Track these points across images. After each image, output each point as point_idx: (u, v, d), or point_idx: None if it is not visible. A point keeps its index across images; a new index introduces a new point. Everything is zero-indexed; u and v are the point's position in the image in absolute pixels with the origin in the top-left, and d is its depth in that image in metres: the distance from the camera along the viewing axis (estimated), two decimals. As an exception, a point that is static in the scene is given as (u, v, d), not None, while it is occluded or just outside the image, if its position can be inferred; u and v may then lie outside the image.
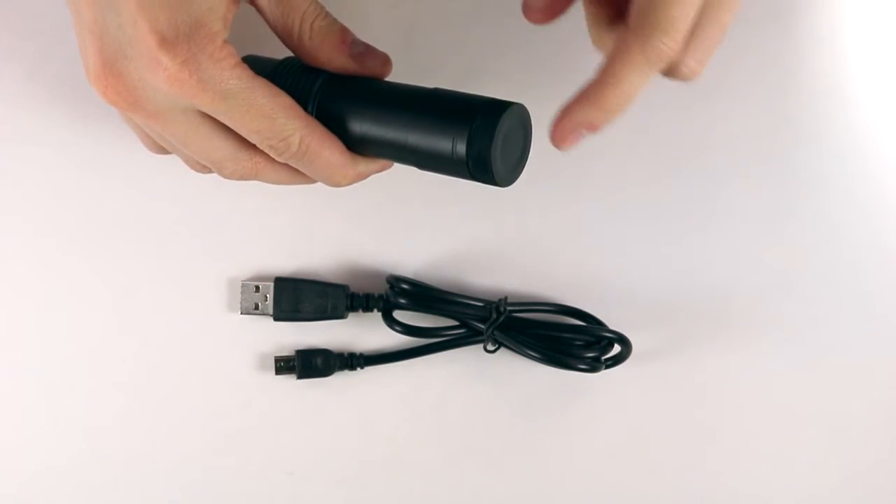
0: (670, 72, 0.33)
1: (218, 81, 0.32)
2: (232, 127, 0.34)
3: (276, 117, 0.34)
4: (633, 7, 0.32)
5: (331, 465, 0.46)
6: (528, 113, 0.35)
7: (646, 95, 0.47)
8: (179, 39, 0.31)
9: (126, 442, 0.45)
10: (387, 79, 0.37)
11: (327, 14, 0.36)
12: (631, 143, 0.46)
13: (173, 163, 0.45)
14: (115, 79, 0.32)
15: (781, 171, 0.47)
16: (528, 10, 0.35)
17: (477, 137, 0.33)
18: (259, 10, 0.36)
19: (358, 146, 0.36)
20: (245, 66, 0.33)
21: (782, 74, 0.47)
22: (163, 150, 0.39)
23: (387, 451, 0.46)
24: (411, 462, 0.46)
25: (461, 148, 0.33)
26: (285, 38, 0.36)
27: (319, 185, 0.45)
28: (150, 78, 0.32)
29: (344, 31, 0.36)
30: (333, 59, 0.36)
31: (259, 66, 0.36)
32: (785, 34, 0.47)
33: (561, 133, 0.33)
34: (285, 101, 0.34)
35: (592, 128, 0.33)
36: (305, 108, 0.36)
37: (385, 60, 0.37)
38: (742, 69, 0.46)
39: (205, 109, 0.33)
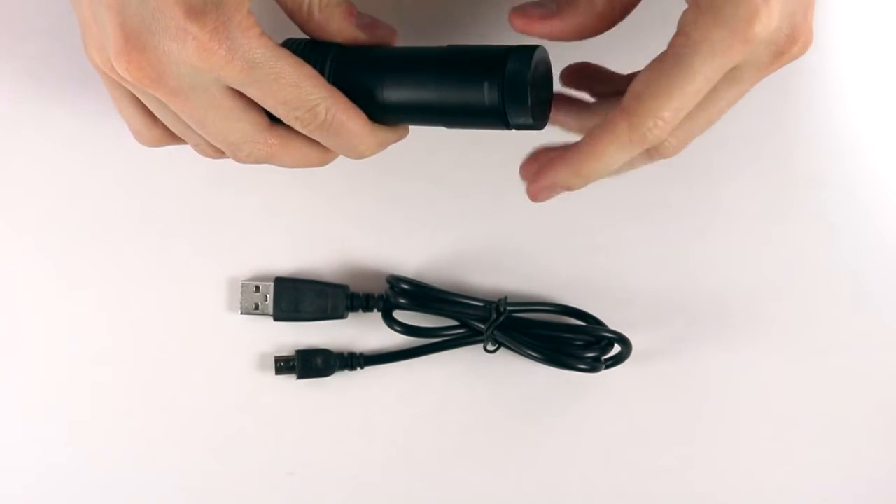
0: (655, 153, 0.35)
1: (247, 51, 0.32)
2: (258, 99, 0.34)
3: (303, 86, 0.34)
4: (630, 88, 0.33)
5: (331, 465, 0.46)
6: (548, 54, 0.35)
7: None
8: (207, 8, 0.31)
9: (126, 442, 0.45)
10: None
11: None
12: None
13: (173, 162, 0.45)
14: (138, 54, 0.32)
15: (781, 171, 0.47)
16: (517, 19, 0.35)
17: (511, 82, 0.33)
18: None
19: (380, 114, 0.36)
20: (270, 37, 0.33)
21: (782, 74, 0.47)
22: (158, 141, 0.39)
23: (387, 450, 0.46)
24: (411, 462, 0.46)
25: (494, 95, 0.33)
26: (294, 11, 0.36)
27: (319, 184, 0.45)
28: (176, 50, 0.31)
29: (350, 4, 0.36)
30: (343, 29, 0.36)
31: None
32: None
33: (537, 189, 0.36)
34: (309, 70, 0.34)
35: (569, 189, 0.36)
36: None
37: (391, 30, 0.37)
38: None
39: (232, 81, 0.33)
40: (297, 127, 0.35)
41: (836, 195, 0.47)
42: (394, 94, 0.35)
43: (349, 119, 0.35)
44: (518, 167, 0.47)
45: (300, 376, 0.45)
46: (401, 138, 0.39)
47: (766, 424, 0.47)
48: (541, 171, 0.36)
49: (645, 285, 0.46)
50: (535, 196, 0.37)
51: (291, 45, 0.36)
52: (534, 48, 0.34)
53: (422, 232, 0.46)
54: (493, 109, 0.33)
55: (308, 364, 0.45)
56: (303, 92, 0.34)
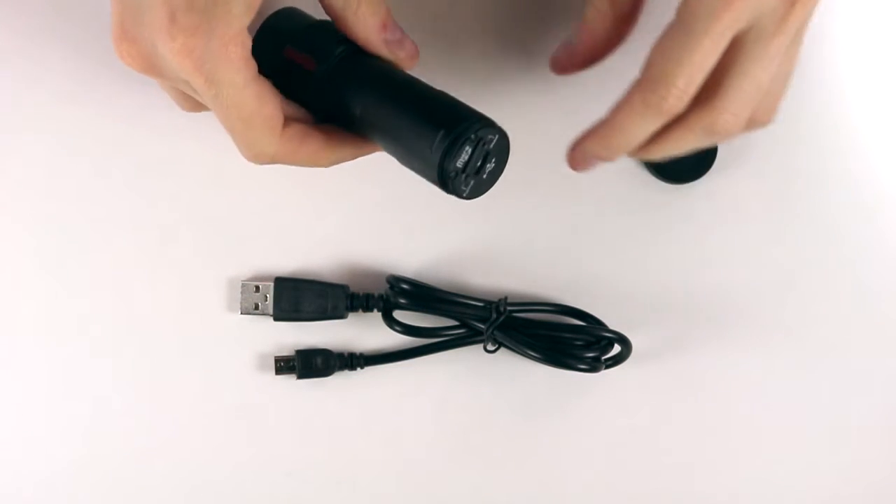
0: (710, 133, 0.35)
1: (214, 68, 0.32)
2: (214, 113, 0.34)
3: (252, 129, 0.34)
4: (646, 59, 0.34)
5: (331, 465, 0.46)
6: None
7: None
8: (192, 16, 0.31)
9: (126, 442, 0.45)
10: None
11: None
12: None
13: (173, 163, 0.45)
14: (129, 44, 0.33)
15: (782, 171, 0.47)
16: (554, 65, 0.39)
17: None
18: None
19: (353, 123, 0.37)
20: (250, 62, 0.33)
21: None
22: (193, 108, 0.39)
23: (387, 451, 0.46)
24: (411, 462, 0.46)
25: (435, 157, 0.34)
26: (330, 4, 0.36)
27: (319, 184, 0.46)
28: (159, 46, 0.32)
29: (387, 15, 0.36)
30: (369, 39, 0.36)
31: (296, 20, 0.37)
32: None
33: (573, 159, 0.38)
34: (268, 111, 0.34)
35: (602, 159, 0.37)
36: (322, 66, 0.36)
37: (412, 54, 0.37)
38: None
39: (195, 89, 0.33)
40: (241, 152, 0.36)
41: (836, 195, 0.47)
42: (367, 110, 0.36)
43: (297, 157, 0.36)
44: (517, 169, 0.47)
45: (300, 376, 0.45)
46: (362, 155, 0.39)
47: (766, 424, 0.47)
48: (577, 141, 0.37)
49: (645, 285, 0.46)
50: (573, 165, 0.38)
51: (322, 25, 0.37)
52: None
53: (422, 232, 0.46)
54: (431, 166, 0.34)
55: (308, 364, 0.45)
56: (248, 134, 0.34)
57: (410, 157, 0.35)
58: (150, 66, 0.33)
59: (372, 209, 0.46)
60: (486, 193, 0.46)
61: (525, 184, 0.46)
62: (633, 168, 0.46)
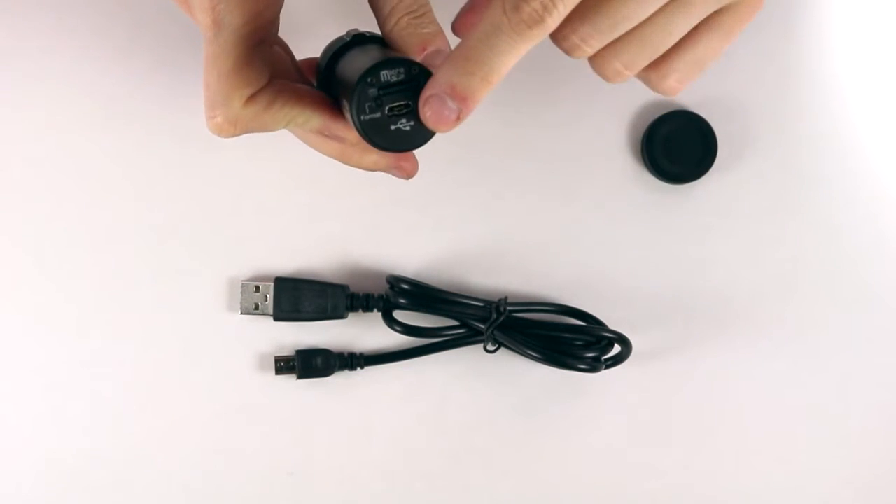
0: (563, 46, 0.31)
1: (227, 9, 0.31)
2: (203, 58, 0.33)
3: (223, 85, 0.33)
4: None
5: (331, 465, 0.46)
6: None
7: (641, 95, 0.47)
8: None
9: (126, 442, 0.45)
10: None
11: (423, 14, 0.34)
12: (630, 142, 0.46)
13: (173, 163, 0.45)
14: None
15: (782, 172, 0.47)
16: (460, 27, 0.35)
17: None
18: None
19: (334, 85, 0.36)
20: (261, 27, 0.32)
21: (782, 74, 0.47)
22: None
23: (386, 450, 0.46)
24: (411, 462, 0.46)
25: (367, 64, 0.32)
26: (375, 12, 0.34)
27: (319, 184, 0.46)
28: None
29: (428, 40, 0.34)
30: (407, 54, 0.34)
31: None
32: (784, 34, 0.47)
33: (426, 101, 0.31)
34: (247, 77, 0.33)
35: (455, 94, 0.30)
36: (353, 34, 0.35)
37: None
38: (741, 69, 0.46)
39: (200, 26, 0.32)
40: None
41: (837, 196, 0.47)
42: (340, 65, 0.35)
43: (258, 125, 0.35)
44: (517, 169, 0.47)
45: (300, 376, 0.45)
46: (331, 129, 0.36)
47: (766, 424, 0.47)
48: (433, 77, 0.31)
49: (645, 285, 0.46)
50: (427, 112, 0.31)
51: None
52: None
53: (422, 232, 0.46)
54: (365, 67, 0.32)
55: (308, 364, 0.45)
56: (220, 90, 0.33)
57: (350, 79, 0.33)
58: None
59: (372, 209, 0.46)
60: (486, 193, 0.45)
61: (525, 183, 0.46)
62: (634, 168, 0.46)
